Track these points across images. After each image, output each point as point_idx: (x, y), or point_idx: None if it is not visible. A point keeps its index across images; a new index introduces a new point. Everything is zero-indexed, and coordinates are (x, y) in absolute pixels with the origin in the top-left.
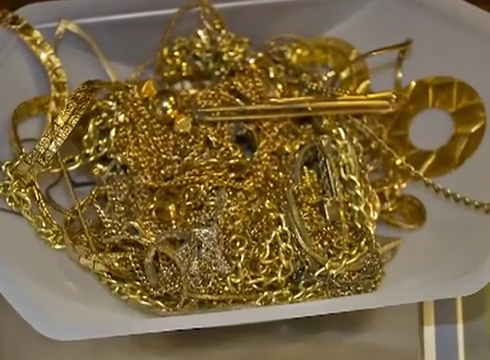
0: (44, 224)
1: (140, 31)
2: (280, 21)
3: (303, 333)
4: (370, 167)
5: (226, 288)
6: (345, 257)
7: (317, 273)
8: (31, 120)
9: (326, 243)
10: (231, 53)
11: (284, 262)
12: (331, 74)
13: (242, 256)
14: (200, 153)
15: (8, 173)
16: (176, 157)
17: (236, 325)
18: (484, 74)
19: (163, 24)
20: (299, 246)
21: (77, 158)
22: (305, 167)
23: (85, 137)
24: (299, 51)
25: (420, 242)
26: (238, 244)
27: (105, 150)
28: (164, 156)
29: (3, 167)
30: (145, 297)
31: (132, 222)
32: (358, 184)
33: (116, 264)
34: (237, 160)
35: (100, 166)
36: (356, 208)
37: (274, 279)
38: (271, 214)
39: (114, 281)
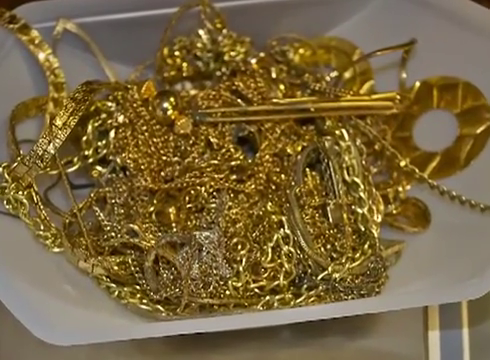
0: (42, 227)
1: (140, 30)
2: (282, 20)
3: (305, 338)
4: (374, 169)
5: (227, 292)
6: (348, 260)
7: (320, 277)
8: (29, 121)
9: (329, 246)
10: (232, 53)
11: (286, 265)
12: (334, 74)
13: (244, 259)
14: (201, 155)
15: (5, 175)
16: (176, 159)
17: (237, 330)
18: None
19: (163, 23)
20: (301, 249)
21: (76, 160)
22: (307, 169)
23: (84, 138)
24: (301, 51)
25: (424, 245)
26: (239, 247)
27: (104, 152)
28: (164, 158)
29: (0, 169)
30: (145, 301)
31: (132, 225)
32: (361, 186)
33: (115, 268)
34: (238, 162)
35: (99, 168)
36: (359, 211)
37: (276, 283)
38: (273, 217)
39: (113, 285)
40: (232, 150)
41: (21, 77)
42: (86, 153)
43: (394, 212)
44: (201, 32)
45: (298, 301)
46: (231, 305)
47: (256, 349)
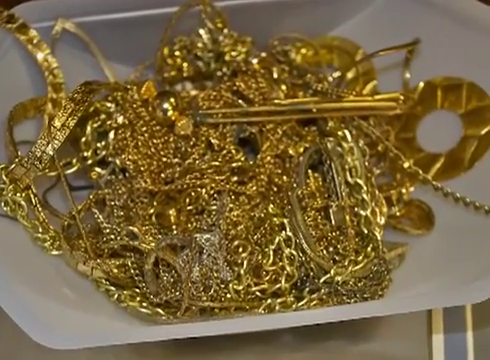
0: (41, 229)
1: (140, 30)
2: (284, 20)
3: (308, 342)
4: (377, 170)
5: (228, 295)
6: (351, 263)
7: (322, 280)
8: (27, 122)
9: (331, 249)
10: (233, 53)
11: (288, 268)
12: (337, 74)
13: (245, 262)
14: (201, 156)
15: (3, 177)
16: (177, 160)
17: (239, 333)
18: None
19: (163, 23)
20: (303, 252)
21: (75, 161)
22: (310, 170)
23: (83, 139)
24: (304, 51)
25: (428, 248)
26: (241, 250)
27: (103, 153)
28: (164, 159)
29: None
30: (145, 304)
31: (131, 227)
32: (364, 188)
33: (115, 270)
34: (240, 163)
35: (98, 169)
36: (362, 213)
37: (278, 286)
38: (275, 219)
39: (113, 288)
40: (233, 151)
41: (19, 77)
42: (85, 154)
43: (397, 214)
44: (202, 32)
45: (300, 304)
46: (232, 308)
47: (258, 353)
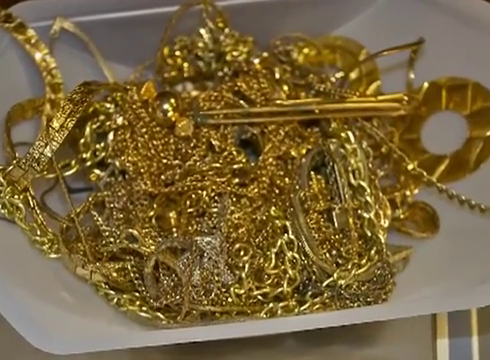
0: (39, 232)
1: (139, 30)
2: (286, 19)
3: (310, 346)
4: (380, 172)
5: (229, 299)
6: (354, 267)
7: (325, 283)
8: (25, 123)
9: (334, 252)
10: (235, 53)
11: (290, 272)
12: (339, 75)
13: (246, 266)
14: (202, 158)
15: (1, 179)
16: (177, 162)
17: (240, 338)
18: None
19: (164, 22)
20: (306, 255)
21: (73, 163)
22: (312, 172)
23: (82, 141)
24: (306, 51)
25: (433, 251)
26: (242, 253)
27: (103, 154)
28: (164, 161)
29: None
30: (145, 309)
31: (131, 230)
32: (368, 190)
33: (114, 274)
34: (241, 165)
35: (97, 171)
36: (366, 215)
37: (280, 290)
38: (277, 222)
39: (112, 292)
40: (234, 153)
41: (17, 78)
42: (84, 156)
43: (401, 217)
44: (202, 31)
45: (302, 308)
46: (233, 313)
47: (260, 358)
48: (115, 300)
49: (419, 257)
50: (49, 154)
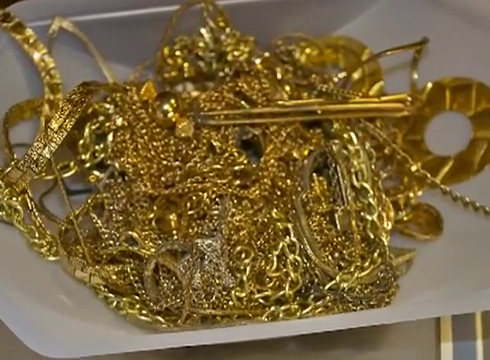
0: (37, 234)
1: (139, 29)
2: (288, 18)
3: (313, 351)
4: (384, 174)
5: (230, 302)
6: (357, 269)
7: (327, 286)
8: (23, 124)
9: (337, 255)
10: (236, 53)
11: (292, 275)
12: (342, 75)
13: (248, 268)
14: (203, 159)
15: None
16: (177, 163)
17: (241, 342)
18: None
19: (164, 22)
20: (308, 258)
21: (72, 164)
22: (314, 174)
23: (81, 142)
24: (308, 51)
25: (437, 253)
26: (243, 256)
27: (102, 156)
28: (165, 162)
29: None
30: (144, 312)
31: (131, 232)
32: (371, 192)
33: (114, 277)
34: (242, 166)
35: (97, 173)
36: (369, 217)
37: (281, 293)
38: (278, 224)
39: (111, 295)
40: (235, 154)
41: (15, 78)
42: (83, 157)
43: (405, 219)
44: (203, 31)
45: (304, 312)
46: (234, 316)
47: None
48: (114, 303)
49: (423, 260)
50: (48, 155)
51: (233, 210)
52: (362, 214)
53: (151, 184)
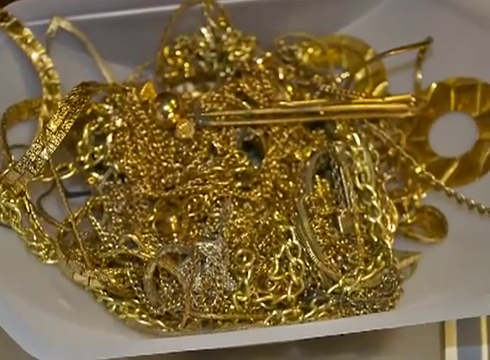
0: (35, 237)
1: (139, 29)
2: (290, 18)
3: (315, 355)
4: (387, 176)
5: (232, 307)
6: (360, 273)
7: (330, 290)
8: (21, 125)
9: (340, 258)
10: (237, 53)
11: (294, 278)
12: (345, 75)
13: (249, 272)
14: (204, 161)
15: None
16: (178, 165)
17: (243, 347)
18: None
19: (164, 21)
20: (311, 261)
21: (71, 166)
22: (317, 176)
23: (79, 143)
24: (311, 50)
25: (441, 257)
26: (245, 259)
27: (101, 157)
28: (165, 164)
29: None
30: (144, 316)
31: (130, 235)
32: (374, 194)
33: (113, 280)
34: (244, 168)
35: (96, 175)
36: (372, 220)
37: (284, 297)
38: (280, 226)
39: (111, 299)
40: (237, 156)
41: (13, 78)
42: (82, 159)
43: (409, 221)
44: (204, 30)
45: (307, 316)
46: (236, 320)
47: None
48: (114, 307)
49: (427, 263)
50: (46, 157)
51: (234, 212)
52: (365, 217)
53: (151, 186)
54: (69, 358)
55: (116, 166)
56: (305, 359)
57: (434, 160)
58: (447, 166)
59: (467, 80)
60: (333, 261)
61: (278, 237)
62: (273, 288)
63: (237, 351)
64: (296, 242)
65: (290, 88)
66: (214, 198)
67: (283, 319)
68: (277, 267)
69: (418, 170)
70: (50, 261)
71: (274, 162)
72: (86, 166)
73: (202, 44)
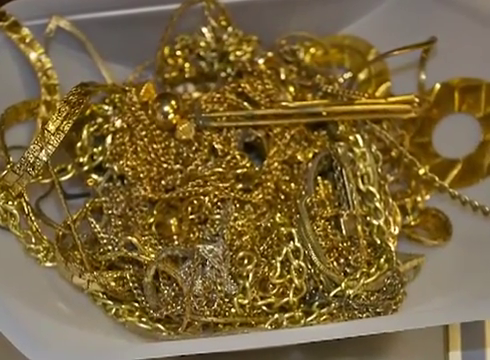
0: (34, 240)
1: (139, 28)
2: (292, 18)
3: (318, 359)
4: (390, 177)
5: (233, 310)
6: (363, 276)
7: (332, 293)
8: (19, 126)
9: (342, 260)
10: (238, 52)
11: (296, 281)
12: (348, 75)
13: (250, 275)
14: (204, 162)
15: None
16: (178, 166)
17: (244, 351)
18: None
19: (164, 21)
20: (313, 264)
21: (70, 167)
22: (319, 177)
23: (78, 144)
24: (313, 50)
25: (445, 259)
26: (246, 262)
27: (100, 159)
28: (165, 165)
29: None
30: (144, 320)
31: (130, 237)
32: (377, 196)
33: (112, 283)
34: (245, 170)
35: (95, 176)
36: (375, 222)
37: (285, 300)
38: (282, 229)
39: (110, 302)
40: (238, 157)
41: (11, 79)
42: (81, 160)
43: (412, 224)
44: (205, 30)
45: (309, 319)
46: (237, 324)
47: None
48: (113, 311)
49: (431, 266)
50: (44, 158)
51: (235, 214)
52: (368, 219)
53: (151, 188)
54: None
55: (116, 167)
56: None
57: (438, 161)
58: (451, 167)
59: (471, 80)
60: (335, 264)
61: (280, 239)
62: (275, 291)
63: (238, 355)
64: (298, 244)
65: (292, 88)
66: (215, 200)
67: (285, 322)
68: (279, 270)
69: (421, 171)
70: (49, 264)
71: (276, 163)
72: (85, 167)
73: (203, 44)
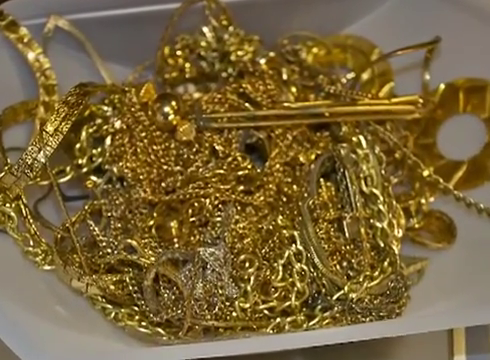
0: (32, 243)
1: (139, 28)
2: (294, 17)
3: None
4: (394, 179)
5: (234, 314)
6: (366, 279)
7: (335, 297)
8: (17, 127)
9: (345, 264)
10: (240, 52)
11: (298, 285)
12: (351, 76)
13: (252, 278)
14: (205, 164)
15: None
16: (178, 168)
17: (245, 355)
18: None
19: (164, 20)
20: (315, 267)
21: (68, 169)
22: (322, 179)
23: (77, 146)
24: (315, 50)
25: (450, 263)
26: (247, 265)
27: (100, 160)
28: (165, 167)
29: None
30: (144, 324)
31: (130, 240)
32: (381, 198)
33: (112, 287)
34: (246, 171)
35: (94, 178)
36: (378, 225)
37: (287, 304)
38: (284, 231)
39: (109, 306)
40: (239, 158)
41: (9, 79)
42: (80, 162)
43: (416, 226)
44: (205, 30)
45: (311, 323)
46: (238, 328)
47: None
48: (113, 314)
49: (435, 269)
50: (43, 160)
51: (237, 217)
52: (371, 221)
53: (151, 190)
54: None
55: (115, 169)
56: None
57: (442, 163)
58: (455, 169)
59: (476, 81)
60: (338, 267)
61: (282, 242)
62: (276, 295)
63: (239, 359)
64: (300, 247)
65: (294, 89)
66: (216, 202)
67: (287, 327)
68: (281, 273)
69: (426, 173)
70: (47, 267)
71: (277, 165)
72: (84, 169)
73: (203, 44)
